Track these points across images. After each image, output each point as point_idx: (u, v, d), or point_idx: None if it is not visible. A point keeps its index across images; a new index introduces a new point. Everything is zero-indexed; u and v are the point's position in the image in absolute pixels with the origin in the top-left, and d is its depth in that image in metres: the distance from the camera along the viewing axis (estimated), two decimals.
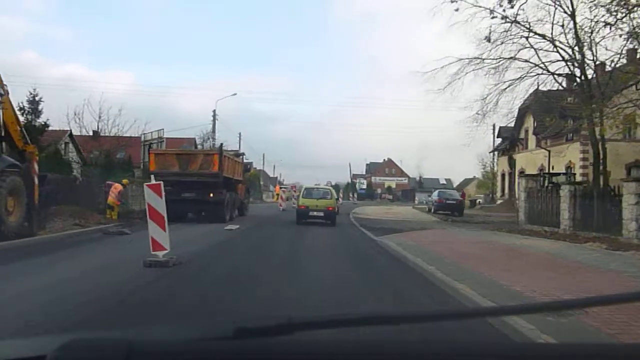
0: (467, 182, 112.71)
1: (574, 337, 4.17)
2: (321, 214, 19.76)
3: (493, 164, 46.85)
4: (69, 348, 0.96)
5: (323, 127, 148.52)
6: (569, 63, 17.53)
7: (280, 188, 52.52)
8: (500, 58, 18.05)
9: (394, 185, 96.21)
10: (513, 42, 17.98)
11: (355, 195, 69.71)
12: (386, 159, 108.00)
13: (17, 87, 36.97)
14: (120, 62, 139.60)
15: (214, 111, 41.93)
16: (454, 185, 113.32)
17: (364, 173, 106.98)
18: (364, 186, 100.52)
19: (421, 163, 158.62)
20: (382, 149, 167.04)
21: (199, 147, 37.28)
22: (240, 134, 59.61)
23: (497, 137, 39.86)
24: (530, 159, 33.04)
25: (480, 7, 17.58)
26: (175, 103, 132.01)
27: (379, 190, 79.95)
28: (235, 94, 52.73)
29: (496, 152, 41.99)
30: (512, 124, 28.91)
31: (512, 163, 36.62)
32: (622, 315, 4.86)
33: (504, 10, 17.28)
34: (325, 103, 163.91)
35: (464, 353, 1.00)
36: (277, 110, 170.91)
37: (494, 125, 45.54)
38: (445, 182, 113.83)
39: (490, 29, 17.85)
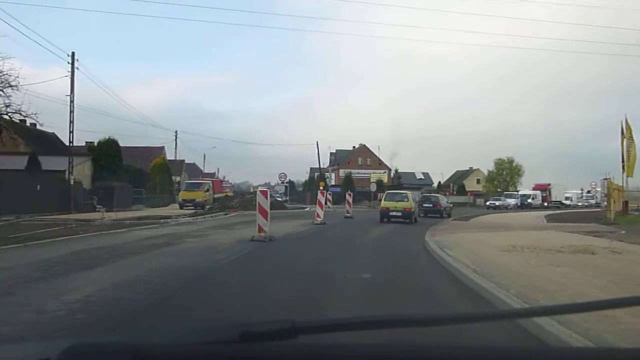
0: (461, 175, 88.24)
1: None
2: (399, 213, 22.47)
3: None
4: (73, 352, 0.97)
5: (276, 120, 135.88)
6: None
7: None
8: None
9: (385, 179, 69.27)
10: None
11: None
12: (358, 146, 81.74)
13: None
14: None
15: None
16: (444, 180, 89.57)
17: (329, 165, 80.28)
18: (332, 181, 73.46)
19: (396, 153, 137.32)
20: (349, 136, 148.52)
21: None
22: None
23: None
24: None
25: None
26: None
27: (372, 188, 53.16)
28: None
29: None
30: None
31: None
32: None
33: None
34: (277, 95, 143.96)
35: (469, 357, 1.02)
36: (223, 107, 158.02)
37: None
38: (422, 177, 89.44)
39: None
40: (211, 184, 34.55)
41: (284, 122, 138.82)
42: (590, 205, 67.29)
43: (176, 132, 54.74)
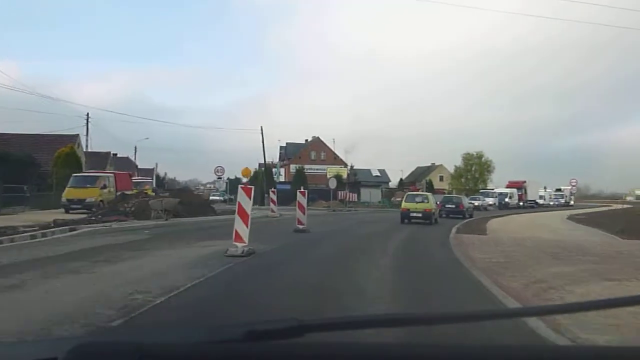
0: (422, 172, 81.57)
1: None
2: (420, 214, 22.89)
3: None
4: (80, 351, 0.96)
5: (228, 116, 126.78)
6: None
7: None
8: None
9: (344, 175, 60.87)
10: None
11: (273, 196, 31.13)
12: (312, 138, 73.52)
13: None
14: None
15: None
16: (405, 176, 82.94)
17: (278, 160, 71.67)
18: (282, 177, 64.83)
19: (353, 146, 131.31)
20: (303, 132, 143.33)
21: None
22: None
23: None
24: None
25: None
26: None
27: (331, 184, 44.78)
28: None
29: None
30: None
31: None
32: None
33: None
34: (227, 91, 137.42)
35: (470, 356, 1.02)
36: (174, 102, 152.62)
37: None
38: (379, 174, 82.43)
39: None
40: (112, 179, 25.17)
41: (236, 118, 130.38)
42: (561, 205, 62.73)
43: (87, 114, 44.21)
